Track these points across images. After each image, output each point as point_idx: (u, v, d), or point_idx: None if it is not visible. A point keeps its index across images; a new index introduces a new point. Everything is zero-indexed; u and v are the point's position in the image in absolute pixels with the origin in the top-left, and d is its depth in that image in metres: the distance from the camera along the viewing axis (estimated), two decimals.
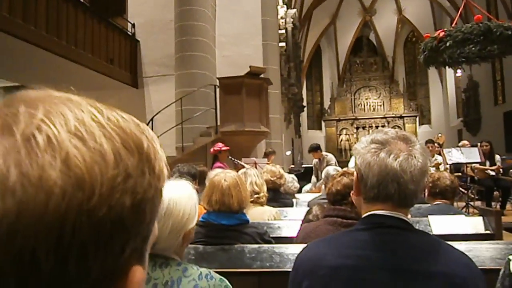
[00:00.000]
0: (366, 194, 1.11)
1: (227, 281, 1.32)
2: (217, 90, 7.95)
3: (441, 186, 2.92)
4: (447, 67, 7.12)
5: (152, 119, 7.99)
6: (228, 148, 6.44)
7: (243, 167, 6.50)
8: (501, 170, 7.19)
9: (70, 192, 0.29)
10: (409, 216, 1.15)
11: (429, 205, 3.08)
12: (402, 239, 1.05)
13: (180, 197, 1.34)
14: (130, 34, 10.30)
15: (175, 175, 3.59)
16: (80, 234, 0.30)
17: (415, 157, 1.05)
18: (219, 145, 6.39)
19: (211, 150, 6.50)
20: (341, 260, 1.05)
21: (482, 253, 1.90)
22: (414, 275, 1.00)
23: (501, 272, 1.17)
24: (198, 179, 3.84)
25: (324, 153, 7.59)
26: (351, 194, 1.23)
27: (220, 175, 2.13)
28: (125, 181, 0.33)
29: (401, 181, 1.04)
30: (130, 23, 10.42)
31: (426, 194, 3.08)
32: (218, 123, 7.84)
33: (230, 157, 6.52)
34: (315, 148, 7.45)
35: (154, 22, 10.23)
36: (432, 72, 21.45)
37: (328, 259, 1.06)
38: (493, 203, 7.18)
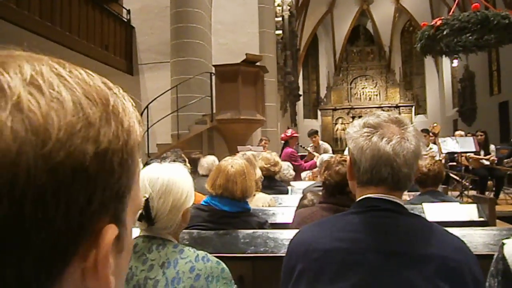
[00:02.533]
0: (360, 178, 1.10)
1: (223, 264, 1.32)
2: (213, 77, 7.91)
3: (418, 175, 2.93)
4: (443, 56, 7.10)
5: (147, 107, 7.94)
6: (298, 135, 6.71)
7: (313, 155, 6.72)
8: (495, 160, 7.23)
9: (22, 135, 0.28)
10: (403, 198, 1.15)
11: (418, 193, 3.11)
12: (396, 222, 1.05)
13: (179, 176, 1.36)
14: (125, 20, 10.19)
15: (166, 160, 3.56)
16: (36, 178, 0.28)
17: (408, 140, 1.05)
18: (290, 132, 6.66)
19: (282, 136, 6.85)
20: (334, 243, 1.04)
21: (475, 239, 1.91)
22: (408, 257, 1.00)
23: (495, 256, 1.17)
24: (191, 166, 3.82)
25: (321, 141, 7.62)
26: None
27: (228, 160, 2.12)
28: (86, 129, 0.31)
29: (394, 164, 1.03)
30: (125, 9, 10.30)
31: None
32: (214, 111, 7.81)
33: (299, 144, 6.82)
34: (315, 132, 7.51)
35: (149, 8, 10.12)
36: (429, 62, 21.45)
37: (321, 242, 1.06)
38: (487, 193, 7.23)
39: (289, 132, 6.91)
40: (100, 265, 0.33)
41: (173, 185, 1.33)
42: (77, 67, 0.35)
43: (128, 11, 10.29)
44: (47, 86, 0.31)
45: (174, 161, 3.23)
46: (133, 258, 1.29)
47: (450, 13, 6.29)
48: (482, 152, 7.19)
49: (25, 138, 0.28)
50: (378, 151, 1.04)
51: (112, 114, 0.34)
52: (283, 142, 7.13)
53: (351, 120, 22.99)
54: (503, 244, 1.14)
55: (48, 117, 0.30)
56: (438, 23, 5.85)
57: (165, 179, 1.33)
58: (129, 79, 10.11)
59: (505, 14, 5.50)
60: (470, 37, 5.70)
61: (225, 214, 2.05)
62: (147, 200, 1.31)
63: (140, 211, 1.30)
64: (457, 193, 6.73)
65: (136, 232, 1.38)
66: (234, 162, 2.10)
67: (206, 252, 1.33)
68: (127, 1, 10.39)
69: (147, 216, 1.30)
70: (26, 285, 0.29)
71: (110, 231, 0.34)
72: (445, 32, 5.74)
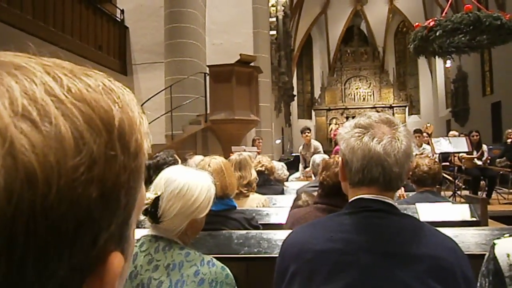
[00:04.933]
0: (352, 178, 1.11)
1: (228, 270, 1.31)
2: (207, 78, 7.91)
3: (419, 174, 2.93)
4: (436, 57, 7.14)
5: (141, 107, 7.92)
6: None
7: None
8: (489, 158, 7.30)
9: (18, 191, 0.25)
10: (396, 195, 1.15)
11: (414, 193, 3.11)
12: (388, 223, 1.05)
13: (197, 184, 1.33)
14: (119, 20, 10.16)
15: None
16: (36, 237, 0.25)
17: (398, 139, 1.05)
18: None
19: (332, 135, 7.02)
20: (327, 244, 1.05)
21: (467, 238, 1.93)
22: (400, 258, 1.00)
23: (486, 256, 1.18)
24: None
25: (312, 140, 7.64)
26: None
27: (206, 160, 2.13)
28: (89, 170, 0.27)
29: (385, 164, 1.04)
30: (119, 9, 10.27)
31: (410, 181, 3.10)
32: (208, 111, 7.81)
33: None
34: (307, 128, 7.55)
35: (143, 8, 10.10)
36: (422, 63, 21.57)
37: (314, 243, 1.06)
38: (479, 192, 7.28)
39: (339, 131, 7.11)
40: None
41: (188, 191, 1.30)
42: (75, 75, 0.31)
43: (122, 11, 10.25)
44: (43, 119, 0.27)
45: (164, 159, 3.23)
46: (139, 256, 1.29)
47: (443, 14, 6.32)
48: (474, 152, 7.25)
49: (21, 195, 0.25)
50: (369, 151, 1.04)
51: (118, 141, 0.30)
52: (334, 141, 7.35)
53: (345, 120, 23.06)
54: (494, 244, 1.15)
55: (46, 164, 0.26)
56: (431, 24, 5.87)
57: (181, 183, 1.31)
58: (123, 79, 10.07)
59: (497, 16, 5.53)
60: (463, 38, 5.74)
61: (210, 213, 2.05)
62: (157, 198, 1.30)
63: (147, 206, 1.30)
64: (450, 193, 6.78)
65: (143, 231, 1.37)
66: (211, 161, 2.11)
67: (211, 257, 1.33)
68: (121, 1, 10.35)
69: (153, 214, 1.30)
70: None
71: (117, 261, 0.32)
72: (438, 33, 5.76)
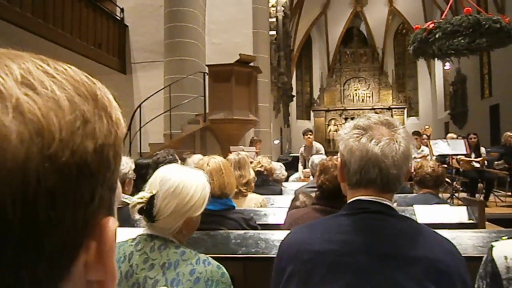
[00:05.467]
0: (350, 179, 1.11)
1: (224, 269, 1.32)
2: (206, 77, 7.90)
3: (422, 174, 2.95)
4: (436, 59, 7.16)
5: (140, 106, 7.91)
6: None
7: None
8: (486, 162, 7.31)
9: (28, 138, 0.28)
10: (394, 205, 1.15)
11: (415, 194, 3.12)
12: (386, 224, 1.06)
13: (192, 182, 1.34)
14: (118, 18, 10.15)
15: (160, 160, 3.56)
16: (46, 181, 0.29)
17: (397, 141, 1.05)
18: None
19: None
20: (325, 245, 1.05)
21: (465, 241, 1.93)
22: (398, 259, 1.00)
23: (484, 258, 1.18)
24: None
25: (314, 142, 7.65)
26: None
27: (205, 159, 2.13)
28: (84, 126, 0.32)
29: (383, 165, 1.04)
30: (119, 7, 10.25)
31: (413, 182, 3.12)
32: (207, 111, 7.80)
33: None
34: (309, 130, 7.60)
35: (143, 7, 10.09)
36: (421, 65, 21.59)
37: (312, 244, 1.06)
38: (477, 195, 7.30)
39: None
40: (107, 256, 0.34)
41: (183, 189, 1.31)
42: (58, 62, 0.35)
43: (122, 10, 10.25)
44: (40, 85, 0.31)
45: (164, 157, 3.23)
46: (135, 255, 1.29)
47: (443, 16, 6.34)
48: (473, 155, 7.26)
49: (31, 142, 0.28)
50: (366, 152, 1.05)
51: (102, 109, 0.35)
52: None
53: (343, 121, 23.08)
54: (492, 246, 1.15)
55: (49, 118, 0.30)
56: (431, 26, 5.90)
57: (176, 182, 1.31)
58: (122, 78, 10.07)
59: (497, 19, 5.55)
60: (462, 41, 5.76)
61: (208, 212, 2.05)
62: (152, 197, 1.30)
63: (142, 205, 1.30)
64: (448, 195, 6.80)
65: (139, 230, 1.38)
66: (210, 160, 2.11)
67: (207, 256, 1.33)
68: None
69: (148, 212, 1.30)
70: (39, 285, 0.30)
71: (111, 223, 0.35)
72: (437, 36, 5.78)
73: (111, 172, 0.35)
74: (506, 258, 1.10)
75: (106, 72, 9.49)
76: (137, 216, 1.32)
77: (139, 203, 1.30)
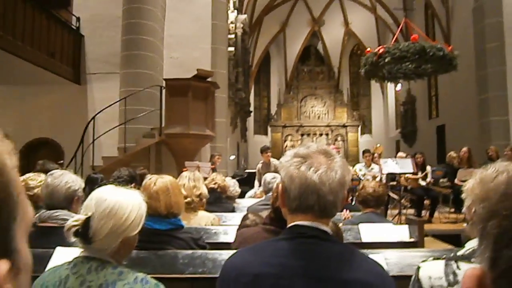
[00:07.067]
0: (290, 205, 1.17)
1: (163, 286, 1.33)
2: (163, 91, 7.86)
3: (363, 195, 3.08)
4: (386, 81, 7.50)
5: (94, 118, 7.73)
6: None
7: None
8: (431, 181, 7.69)
9: None
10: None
11: (359, 213, 3.24)
12: (321, 249, 1.12)
13: (127, 202, 1.35)
14: (74, 28, 9.91)
15: (115, 177, 3.52)
16: None
17: (333, 170, 1.12)
18: None
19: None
20: (263, 268, 1.09)
21: (402, 260, 2.04)
22: (332, 283, 1.07)
23: (412, 278, 1.27)
24: (139, 182, 3.79)
25: (272, 158, 7.67)
26: None
27: (152, 178, 2.13)
28: None
29: (320, 192, 1.10)
30: (75, 16, 10.03)
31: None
32: (163, 125, 7.74)
33: None
34: (268, 148, 7.63)
35: (100, 17, 9.93)
36: (375, 85, 22.34)
37: (251, 267, 1.11)
38: (423, 211, 7.64)
39: None
40: None
41: (119, 209, 1.32)
42: None
43: (78, 19, 10.03)
44: None
45: (121, 177, 3.20)
46: (71, 279, 1.28)
47: (392, 42, 6.69)
48: (419, 173, 7.62)
49: None
50: (305, 179, 1.11)
51: None
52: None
53: (300, 137, 23.47)
54: (419, 267, 1.25)
55: None
56: (381, 51, 6.20)
57: (112, 203, 1.32)
58: (76, 88, 9.80)
59: (440, 47, 5.93)
60: (410, 66, 6.10)
61: (157, 232, 2.05)
62: (88, 219, 1.30)
63: (77, 228, 1.30)
64: (396, 211, 7.08)
65: (76, 252, 1.36)
66: (158, 180, 2.12)
67: (145, 274, 1.33)
68: (77, 8, 10.12)
69: (83, 235, 1.30)
70: None
71: (1, 268, 0.36)
72: (386, 60, 6.09)
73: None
74: (430, 278, 1.19)
75: (59, 82, 9.21)
76: (73, 239, 1.32)
77: (74, 225, 1.30)
